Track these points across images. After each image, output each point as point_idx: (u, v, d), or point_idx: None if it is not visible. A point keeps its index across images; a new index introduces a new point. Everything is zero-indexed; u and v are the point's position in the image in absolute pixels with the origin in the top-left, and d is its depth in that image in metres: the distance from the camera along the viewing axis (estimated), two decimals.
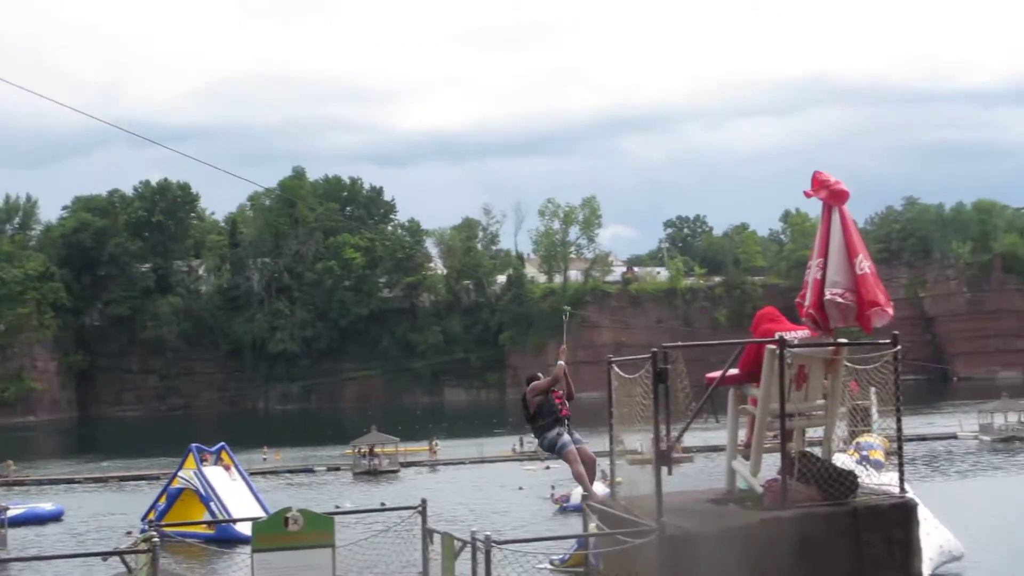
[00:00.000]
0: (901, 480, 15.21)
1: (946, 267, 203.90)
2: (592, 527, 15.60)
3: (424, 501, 15.94)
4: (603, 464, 18.05)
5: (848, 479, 14.60)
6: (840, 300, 13.99)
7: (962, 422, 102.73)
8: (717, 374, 15.15)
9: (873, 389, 15.94)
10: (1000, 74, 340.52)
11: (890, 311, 14.08)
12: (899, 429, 15.50)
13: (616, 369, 15.85)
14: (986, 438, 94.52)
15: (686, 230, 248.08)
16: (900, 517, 14.64)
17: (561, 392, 19.65)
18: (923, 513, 36.54)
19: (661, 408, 14.02)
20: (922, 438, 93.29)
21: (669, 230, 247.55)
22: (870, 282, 13.97)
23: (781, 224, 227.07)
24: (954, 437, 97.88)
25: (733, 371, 15.05)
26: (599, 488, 18.74)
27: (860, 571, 14.01)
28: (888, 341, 14.80)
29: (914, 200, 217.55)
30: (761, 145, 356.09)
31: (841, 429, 16.16)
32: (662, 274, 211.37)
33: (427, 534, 15.74)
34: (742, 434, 15.65)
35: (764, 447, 14.91)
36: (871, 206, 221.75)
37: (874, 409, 20.08)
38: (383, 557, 16.70)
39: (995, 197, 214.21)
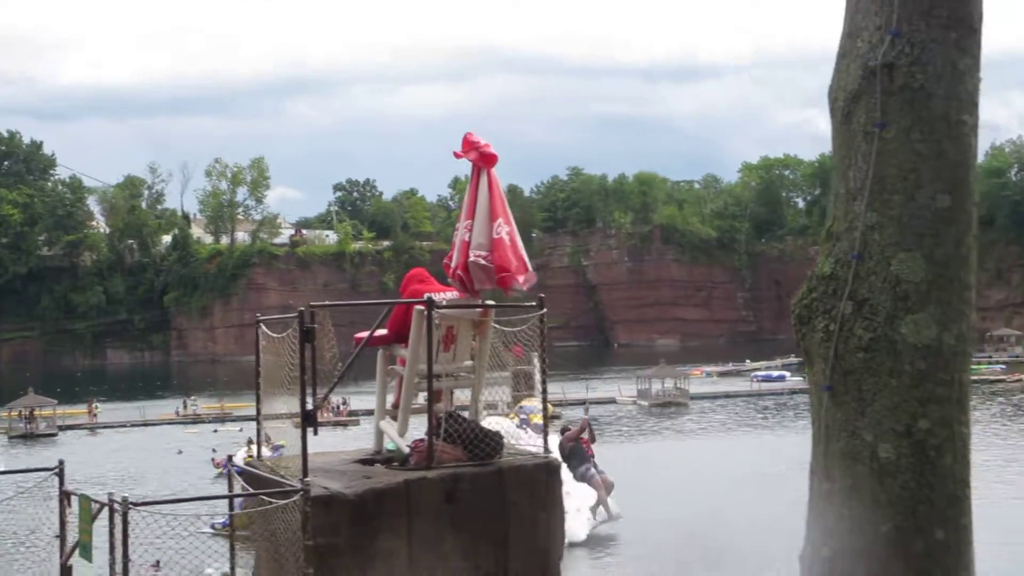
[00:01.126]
0: (545, 440, 15.45)
1: (608, 237, 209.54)
2: (238, 488, 15.37)
3: (61, 462, 15.39)
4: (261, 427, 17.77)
5: (493, 439, 14.72)
6: (483, 262, 14.07)
7: (621, 387, 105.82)
8: (366, 334, 15.10)
9: (536, 354, 16.13)
10: (661, 53, 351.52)
11: (520, 278, 14.18)
12: (544, 391, 15.79)
13: (264, 328, 15.62)
14: (644, 403, 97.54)
15: (356, 194, 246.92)
16: (544, 476, 14.84)
17: (587, 438, 38.33)
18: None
19: (308, 369, 13.89)
20: (583, 402, 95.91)
21: (338, 193, 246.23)
22: (504, 246, 14.08)
23: (450, 191, 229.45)
24: (613, 402, 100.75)
25: (381, 332, 15.02)
26: (264, 452, 18.67)
27: (506, 530, 14.12)
28: (534, 304, 14.99)
29: (579, 170, 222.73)
30: (432, 112, 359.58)
31: (504, 393, 16.28)
32: (331, 237, 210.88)
33: (64, 497, 15.24)
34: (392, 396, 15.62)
35: (412, 408, 14.92)
36: (538, 175, 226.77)
37: (537, 373, 20.42)
38: (17, 521, 16.17)
39: (655, 170, 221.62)
